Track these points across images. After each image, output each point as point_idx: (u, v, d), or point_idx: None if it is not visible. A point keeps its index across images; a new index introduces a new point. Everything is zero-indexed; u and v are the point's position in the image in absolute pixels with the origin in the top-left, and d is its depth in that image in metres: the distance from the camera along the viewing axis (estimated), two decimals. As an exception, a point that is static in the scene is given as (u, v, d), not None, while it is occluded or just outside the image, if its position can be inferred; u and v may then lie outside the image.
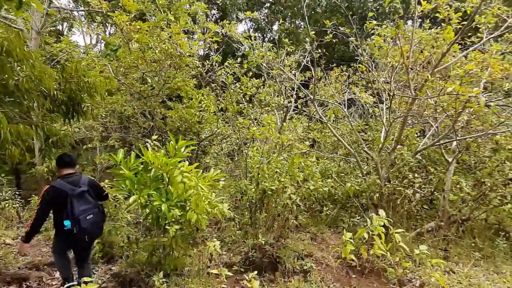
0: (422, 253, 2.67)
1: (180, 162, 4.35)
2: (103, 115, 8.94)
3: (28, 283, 4.36)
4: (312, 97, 5.72)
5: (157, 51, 7.80)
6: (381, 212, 2.66)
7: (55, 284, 4.48)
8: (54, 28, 15.36)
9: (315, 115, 7.54)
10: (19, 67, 3.66)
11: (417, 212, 5.90)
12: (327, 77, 8.28)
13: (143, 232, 5.41)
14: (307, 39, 5.80)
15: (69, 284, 3.76)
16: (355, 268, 4.29)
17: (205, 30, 10.20)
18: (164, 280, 3.29)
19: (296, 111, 9.31)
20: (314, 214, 7.24)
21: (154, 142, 4.43)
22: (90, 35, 20.28)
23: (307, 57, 6.62)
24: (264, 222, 5.17)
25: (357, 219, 6.36)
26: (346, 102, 7.17)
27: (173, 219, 3.91)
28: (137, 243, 4.73)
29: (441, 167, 6.39)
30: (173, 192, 4.04)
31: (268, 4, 22.10)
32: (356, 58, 6.13)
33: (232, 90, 7.78)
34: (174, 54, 8.19)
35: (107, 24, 17.79)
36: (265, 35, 25.98)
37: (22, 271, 4.54)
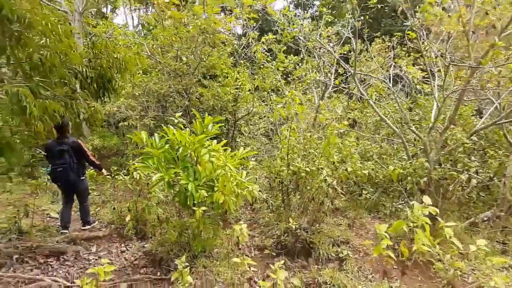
0: (480, 249, 2.23)
1: (209, 140, 4.18)
2: (139, 94, 8.97)
3: (65, 257, 4.47)
4: (352, 71, 5.20)
5: (190, 27, 7.62)
6: (426, 198, 2.24)
7: (92, 259, 4.55)
8: (96, 9, 15.75)
9: (355, 93, 6.95)
10: (43, 41, 3.58)
11: (471, 199, 5.27)
12: (369, 51, 7.57)
13: (175, 211, 5.36)
14: (348, 6, 5.21)
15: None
16: (398, 258, 3.90)
17: (243, 7, 9.83)
18: (187, 264, 3.14)
19: (335, 89, 8.75)
20: (353, 197, 6.83)
21: (178, 120, 4.24)
22: (132, 17, 20.71)
23: (348, 28, 6.03)
24: (298, 205, 4.89)
25: (400, 204, 5.87)
26: (391, 77, 6.50)
27: (200, 200, 3.75)
28: (167, 222, 4.67)
29: (503, 150, 5.63)
30: (201, 172, 3.87)
31: (310, -23, 21.03)
32: (406, 31, 5.47)
33: (262, 67, 7.38)
34: (208, 29, 7.96)
35: (148, 5, 18.02)
36: (306, 11, 24.89)
37: (60, 245, 4.65)
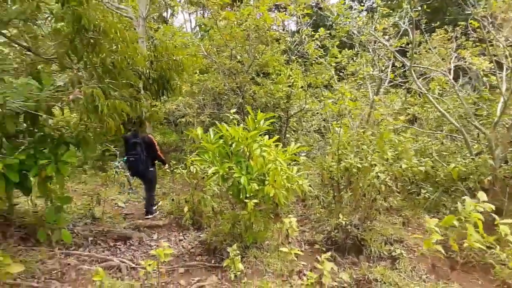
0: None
1: (260, 136, 4.32)
2: (197, 92, 9.41)
3: (131, 242, 4.92)
4: (409, 65, 4.98)
5: (243, 26, 7.86)
6: (481, 195, 2.14)
7: (154, 245, 4.95)
8: (158, 14, 16.76)
9: (414, 88, 6.60)
10: (115, 47, 3.98)
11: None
12: (428, 42, 7.11)
13: (228, 204, 5.60)
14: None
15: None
16: (456, 260, 3.71)
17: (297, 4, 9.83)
18: (238, 252, 3.32)
19: (393, 83, 8.39)
20: (410, 196, 6.55)
21: (233, 116, 4.43)
22: (190, 20, 21.67)
23: (406, 20, 5.75)
24: (349, 202, 4.84)
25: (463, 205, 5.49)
26: (453, 70, 6.06)
27: (252, 193, 3.90)
28: (221, 214, 4.91)
29: None
30: (253, 166, 4.02)
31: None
32: (469, 20, 5.08)
33: (314, 63, 7.34)
34: (261, 27, 8.13)
35: (204, 8, 18.76)
36: (362, 3, 24.00)
37: (126, 231, 5.13)
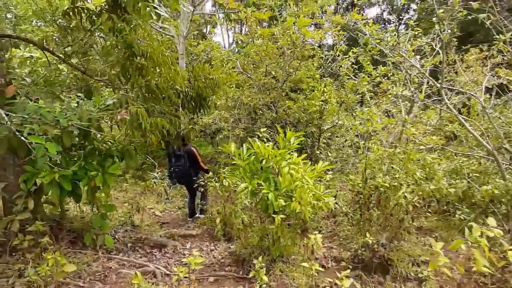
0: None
1: (290, 153, 4.51)
2: (232, 106, 9.77)
3: (166, 249, 5.24)
4: (439, 86, 4.96)
5: (279, 43, 8.15)
6: (491, 220, 2.18)
7: (187, 253, 5.24)
8: (198, 32, 17.57)
9: (444, 109, 6.48)
10: (159, 70, 4.37)
11: None
12: (464, 61, 6.96)
13: (258, 217, 5.79)
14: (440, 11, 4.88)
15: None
16: (486, 284, 3.65)
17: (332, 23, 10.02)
18: (264, 265, 3.49)
19: (433, 99, 8.22)
20: (445, 217, 6.38)
21: (263, 134, 4.66)
22: (228, 35, 22.48)
23: (437, 41, 5.73)
24: (378, 221, 4.87)
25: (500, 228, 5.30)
26: (483, 88, 5.92)
27: (279, 208, 4.07)
28: (251, 227, 5.10)
29: None
30: (281, 183, 4.21)
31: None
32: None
33: (346, 83, 7.45)
34: (298, 45, 8.36)
35: (242, 24, 19.46)
36: (401, 17, 23.66)
37: (162, 239, 5.46)
